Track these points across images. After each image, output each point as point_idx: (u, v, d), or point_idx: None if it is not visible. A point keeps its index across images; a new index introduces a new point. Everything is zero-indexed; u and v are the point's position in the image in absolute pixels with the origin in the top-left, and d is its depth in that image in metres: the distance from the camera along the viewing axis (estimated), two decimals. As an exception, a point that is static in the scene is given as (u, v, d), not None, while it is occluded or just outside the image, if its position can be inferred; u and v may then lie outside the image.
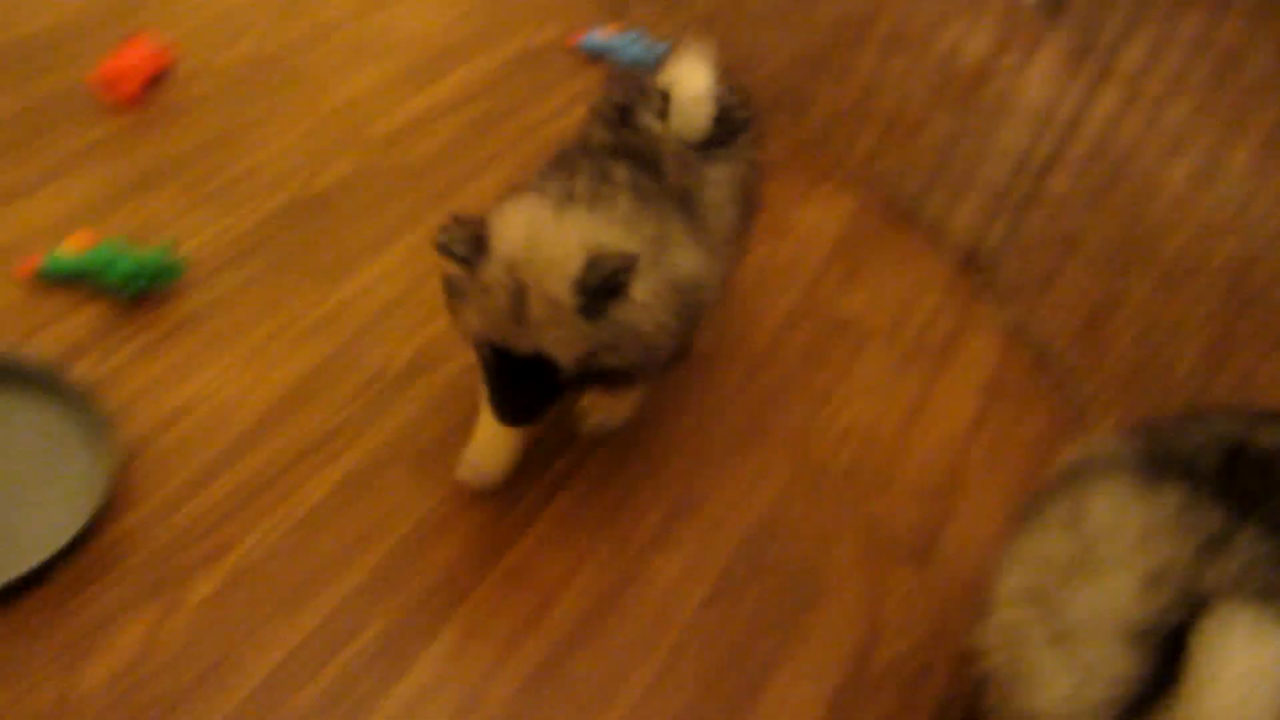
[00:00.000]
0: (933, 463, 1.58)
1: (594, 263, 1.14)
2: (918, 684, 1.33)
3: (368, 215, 1.78)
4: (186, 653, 1.19)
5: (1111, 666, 0.95)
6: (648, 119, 1.38)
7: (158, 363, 1.48)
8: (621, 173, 1.28)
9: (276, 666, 1.20)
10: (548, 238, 1.17)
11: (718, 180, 1.37)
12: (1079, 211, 1.92)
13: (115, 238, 1.58)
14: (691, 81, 1.36)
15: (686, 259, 1.28)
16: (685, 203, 1.32)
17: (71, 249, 1.55)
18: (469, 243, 1.19)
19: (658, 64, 1.45)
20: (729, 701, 1.28)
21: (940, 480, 1.56)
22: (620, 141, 1.36)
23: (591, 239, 1.18)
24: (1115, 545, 1.00)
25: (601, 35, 2.25)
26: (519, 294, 1.15)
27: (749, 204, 1.47)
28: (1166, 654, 0.92)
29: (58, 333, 1.49)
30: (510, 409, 1.22)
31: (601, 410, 1.49)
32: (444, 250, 1.20)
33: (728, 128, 1.41)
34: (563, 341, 1.17)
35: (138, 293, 1.53)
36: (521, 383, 1.21)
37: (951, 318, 1.83)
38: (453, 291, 1.23)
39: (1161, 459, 1.05)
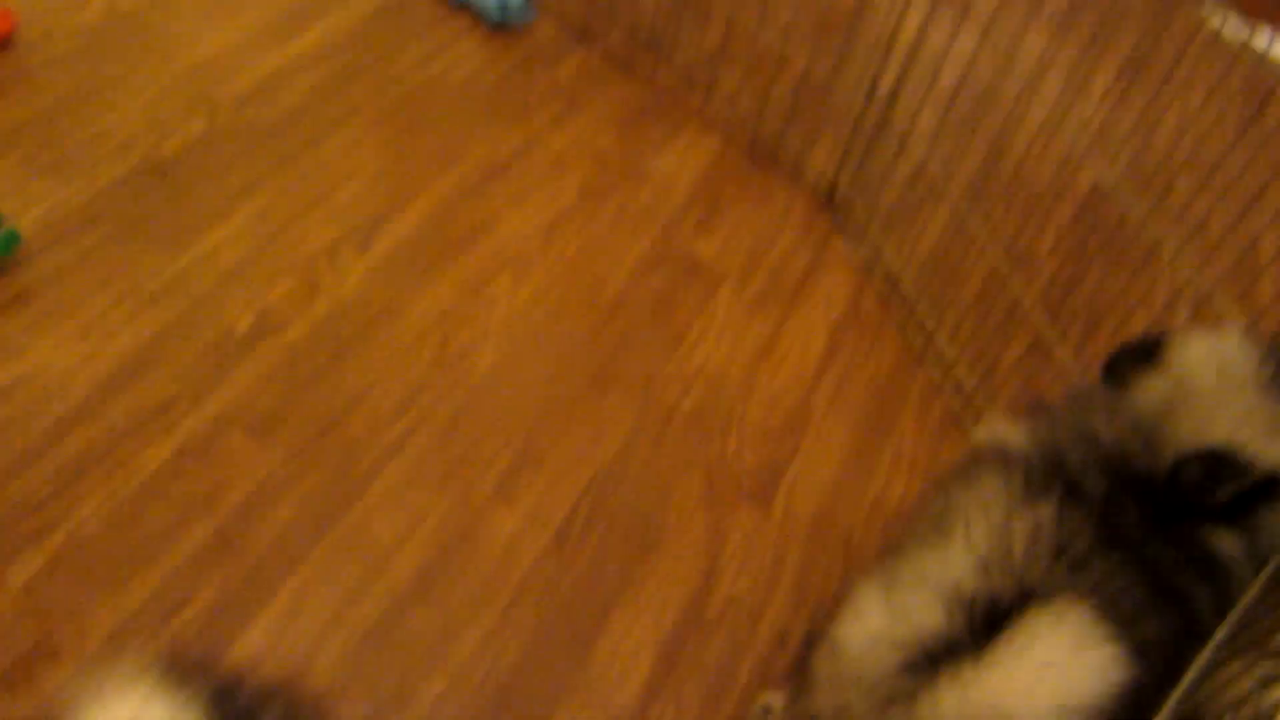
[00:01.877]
0: (779, 401, 1.61)
1: None
2: (754, 623, 1.36)
3: (214, 179, 1.76)
4: (7, 636, 1.20)
5: (923, 617, 0.99)
6: None
7: (-11, 340, 1.47)
8: None
9: (102, 643, 1.21)
10: None
11: None
12: (943, 147, 1.93)
13: (-57, 214, 1.55)
14: None
15: None
16: None
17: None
18: None
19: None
20: (565, 648, 1.30)
21: (786, 419, 1.59)
22: None
23: None
24: (971, 526, 1.04)
25: (464, -18, 2.21)
26: None
27: None
28: (976, 626, 0.96)
29: (-116, 314, 1.47)
30: None
31: None
32: None
33: None
34: None
35: (-32, 269, 1.51)
36: None
37: (807, 256, 1.85)
38: None
39: (1051, 469, 1.08)
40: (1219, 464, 1.04)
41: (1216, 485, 1.03)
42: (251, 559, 1.31)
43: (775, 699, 1.27)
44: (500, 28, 2.17)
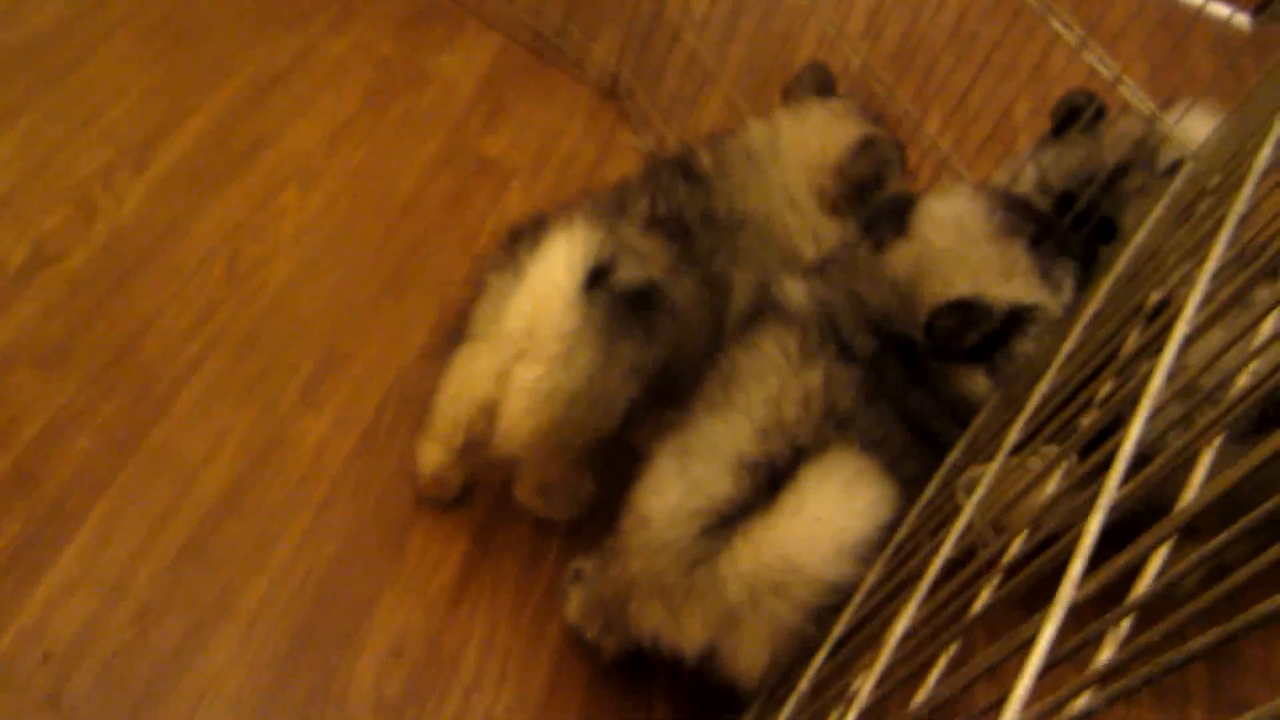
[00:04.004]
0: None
1: None
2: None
3: (-31, 106, 1.67)
4: None
5: (714, 485, 1.09)
6: None
7: None
8: None
9: (-98, 584, 1.19)
10: None
11: None
12: (714, 34, 2.00)
13: None
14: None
15: None
16: None
17: None
18: None
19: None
20: (380, 542, 1.36)
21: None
22: None
23: None
24: (750, 396, 1.14)
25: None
26: None
27: None
28: (761, 488, 1.07)
29: None
30: None
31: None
32: None
33: None
34: None
35: None
36: None
37: (594, 147, 1.90)
38: None
39: (826, 328, 1.18)
40: (965, 310, 1.16)
41: (967, 331, 1.16)
42: (53, 490, 1.30)
43: (586, 565, 1.36)
44: (266, -69, 2.10)
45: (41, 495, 1.30)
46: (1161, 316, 0.86)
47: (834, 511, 1.02)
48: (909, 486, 1.11)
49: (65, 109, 1.70)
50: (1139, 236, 1.23)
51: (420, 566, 1.35)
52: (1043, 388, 1.04)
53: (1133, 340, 0.92)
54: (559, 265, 1.11)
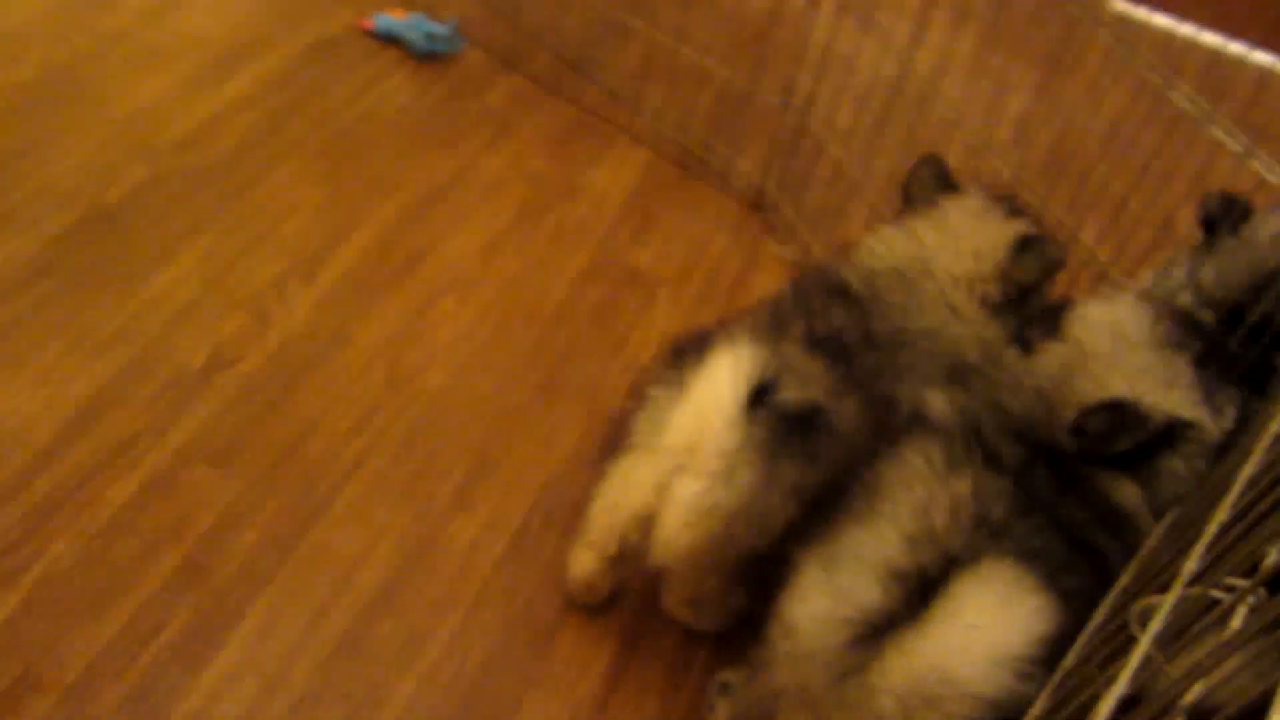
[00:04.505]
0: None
1: None
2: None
3: (160, 222, 1.81)
4: (-13, 671, 1.24)
5: (862, 595, 1.06)
6: None
7: (-51, 393, 1.51)
8: None
9: (79, 675, 1.25)
10: None
11: None
12: (859, 145, 2.02)
13: None
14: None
15: None
16: None
17: None
18: None
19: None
20: (528, 644, 1.37)
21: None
22: None
23: None
24: (897, 505, 1.11)
25: (391, 17, 2.28)
26: None
27: None
28: (912, 597, 1.04)
29: None
30: None
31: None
32: None
33: None
34: None
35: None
36: None
37: (740, 258, 1.93)
38: None
39: (971, 438, 1.16)
40: (1120, 412, 1.12)
41: (1119, 433, 1.11)
42: (220, 583, 1.35)
43: (733, 676, 1.34)
44: (429, 58, 2.24)
45: (208, 588, 1.35)
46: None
47: (991, 620, 0.98)
48: (1069, 601, 1.06)
49: (243, 225, 1.82)
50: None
51: (567, 671, 1.35)
52: (1222, 514, 0.98)
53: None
54: (724, 381, 1.12)
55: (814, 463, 1.18)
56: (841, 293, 1.35)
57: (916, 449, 1.16)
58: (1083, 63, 1.67)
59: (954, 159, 1.96)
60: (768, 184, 2.01)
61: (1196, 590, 0.93)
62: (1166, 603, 0.90)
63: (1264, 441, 1.06)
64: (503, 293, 1.80)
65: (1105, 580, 1.13)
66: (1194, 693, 0.70)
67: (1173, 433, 1.14)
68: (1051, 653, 1.00)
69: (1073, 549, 1.12)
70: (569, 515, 1.50)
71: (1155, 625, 0.88)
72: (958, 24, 1.99)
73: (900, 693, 0.99)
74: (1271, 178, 1.37)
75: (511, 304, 1.78)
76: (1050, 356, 1.21)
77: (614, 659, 1.37)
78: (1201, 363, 1.16)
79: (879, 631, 1.04)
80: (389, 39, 2.28)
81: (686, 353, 1.23)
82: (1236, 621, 0.74)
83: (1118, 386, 1.16)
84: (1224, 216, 1.40)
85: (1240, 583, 0.79)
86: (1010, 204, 1.43)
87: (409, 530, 1.45)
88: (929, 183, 1.45)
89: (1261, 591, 0.74)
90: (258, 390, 1.57)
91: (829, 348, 1.26)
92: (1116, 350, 1.19)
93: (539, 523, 1.49)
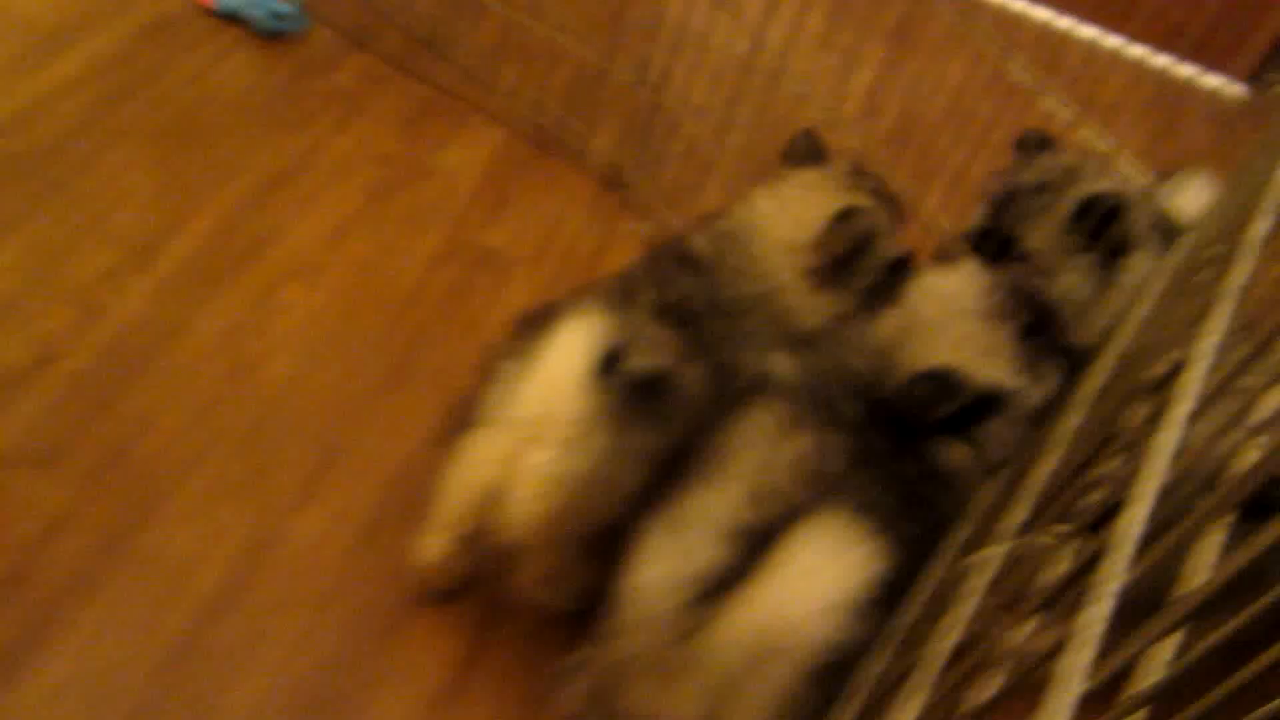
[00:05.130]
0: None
1: None
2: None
3: (-22, 213, 1.70)
4: None
5: (705, 552, 1.06)
6: None
7: None
8: None
9: (-113, 692, 1.17)
10: None
11: None
12: (713, 122, 2.02)
13: None
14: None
15: None
16: None
17: None
18: None
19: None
20: (379, 638, 1.33)
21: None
22: None
23: None
24: (740, 463, 1.13)
25: (231, -6, 2.18)
26: None
27: None
28: (756, 552, 1.04)
29: None
30: None
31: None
32: None
33: None
34: None
35: None
36: None
37: (596, 236, 1.91)
38: None
39: (814, 397, 1.18)
40: (941, 381, 1.14)
41: (939, 401, 1.14)
42: (45, 593, 1.28)
43: (582, 654, 1.32)
44: (275, 37, 2.16)
45: (33, 598, 1.28)
46: (1165, 391, 0.84)
47: (824, 565, 0.99)
48: (902, 547, 1.07)
49: (70, 214, 1.73)
50: (1141, 309, 1.21)
51: (420, 662, 1.32)
52: (1049, 465, 1.01)
53: (1139, 416, 0.89)
54: (572, 351, 1.11)
55: (663, 428, 1.18)
56: (690, 261, 1.35)
57: (760, 409, 1.19)
58: (926, 37, 1.68)
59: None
60: (623, 161, 1.99)
61: (1026, 540, 0.95)
62: (998, 553, 0.92)
63: (1087, 396, 1.09)
64: (352, 278, 1.75)
65: (937, 531, 1.15)
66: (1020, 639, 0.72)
67: (993, 399, 1.17)
68: (885, 595, 1.01)
69: (906, 501, 1.15)
70: (422, 504, 1.46)
71: (988, 574, 0.89)
72: (808, 1, 2.00)
73: (744, 644, 1.00)
74: (1100, 144, 1.41)
75: (361, 289, 1.73)
76: (887, 322, 1.23)
77: (468, 647, 1.35)
78: (1029, 332, 1.19)
79: (721, 587, 1.04)
80: (231, 17, 2.18)
81: (533, 325, 1.21)
82: (1064, 567, 0.75)
83: (942, 355, 1.18)
84: (1032, 147, 1.42)
85: (1065, 528, 0.81)
86: (863, 178, 1.44)
87: (252, 528, 1.40)
88: (801, 156, 1.45)
89: (1083, 539, 0.76)
90: (87, 388, 1.49)
91: (677, 315, 1.26)
92: (945, 319, 1.22)
93: (391, 513, 1.45)
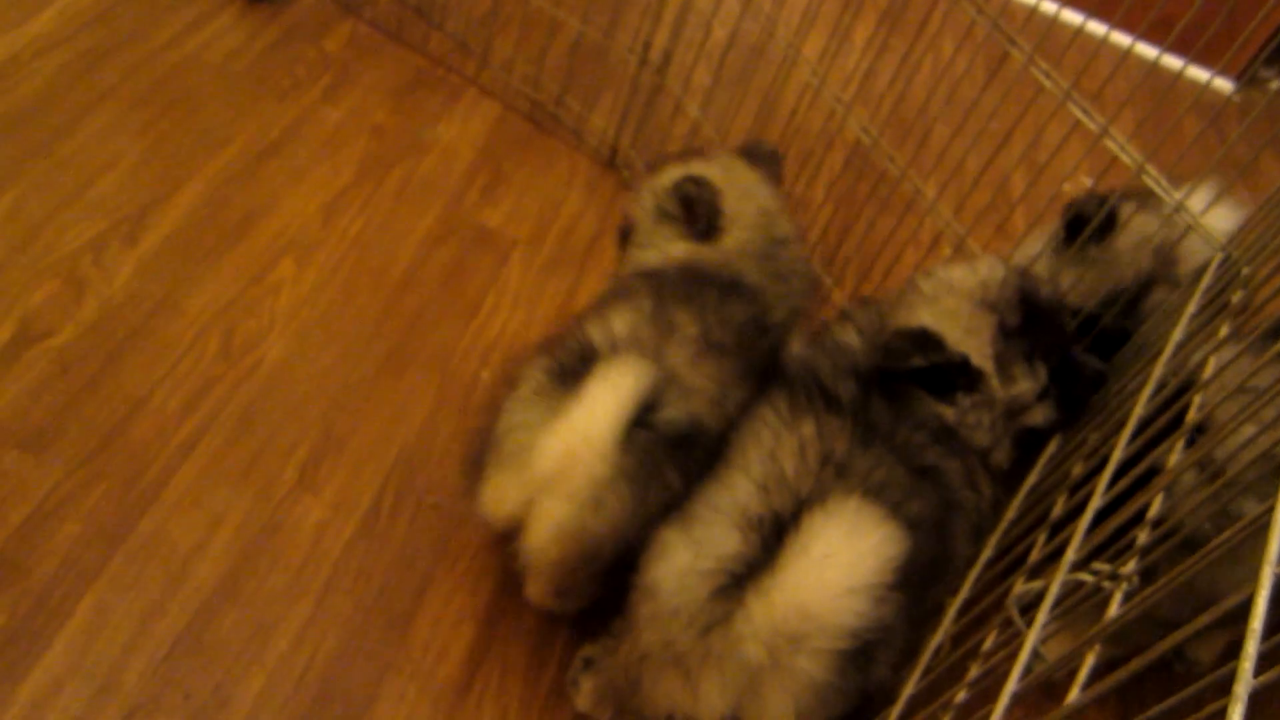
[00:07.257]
0: (578, 365, 1.63)
1: None
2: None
3: (-46, 178, 1.63)
4: None
5: (721, 544, 1.05)
6: None
7: None
8: None
9: (-124, 686, 1.13)
10: None
11: None
12: (718, 104, 1.99)
13: None
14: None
15: None
16: None
17: None
18: None
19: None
20: (384, 630, 1.30)
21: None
22: None
23: None
24: (748, 456, 1.13)
25: (215, -48, 2.10)
26: None
27: None
28: (769, 542, 1.04)
29: None
30: None
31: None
32: None
33: None
34: None
35: None
36: None
37: (595, 218, 1.88)
38: None
39: (812, 383, 1.19)
40: (920, 336, 1.20)
41: (914, 351, 1.17)
42: (39, 582, 1.24)
43: (595, 650, 1.31)
44: (259, -1, 2.09)
45: (27, 587, 1.24)
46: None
47: (841, 552, 0.99)
48: (915, 526, 1.08)
49: (53, 180, 1.66)
50: (1177, 334, 1.21)
51: (425, 655, 1.30)
52: (1096, 503, 1.00)
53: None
54: (606, 410, 1.08)
55: (687, 473, 1.16)
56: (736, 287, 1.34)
57: (766, 403, 1.20)
58: (948, 28, 1.66)
59: (815, 120, 1.96)
60: (622, 141, 1.96)
61: (1071, 576, 0.95)
62: (1051, 592, 0.91)
63: (1123, 438, 1.09)
64: (345, 255, 1.70)
65: (947, 499, 1.17)
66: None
67: (969, 372, 1.21)
68: (903, 578, 1.01)
69: (913, 474, 1.15)
70: (424, 491, 1.44)
71: (1042, 618, 0.89)
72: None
73: (764, 636, 1.00)
74: (1089, 123, 1.40)
75: (355, 267, 1.68)
76: (891, 300, 1.28)
77: (474, 641, 1.32)
78: (1010, 334, 1.22)
79: (740, 580, 1.04)
80: (213, -24, 2.10)
81: (559, 351, 1.19)
82: (1114, 607, 0.75)
83: (925, 320, 1.23)
84: (1089, 221, 1.43)
85: (1105, 567, 0.80)
86: (761, 155, 1.48)
87: (250, 515, 1.36)
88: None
89: (1135, 578, 0.76)
90: (75, 366, 1.44)
91: (719, 347, 1.24)
92: (938, 294, 1.25)
93: (391, 501, 1.42)
